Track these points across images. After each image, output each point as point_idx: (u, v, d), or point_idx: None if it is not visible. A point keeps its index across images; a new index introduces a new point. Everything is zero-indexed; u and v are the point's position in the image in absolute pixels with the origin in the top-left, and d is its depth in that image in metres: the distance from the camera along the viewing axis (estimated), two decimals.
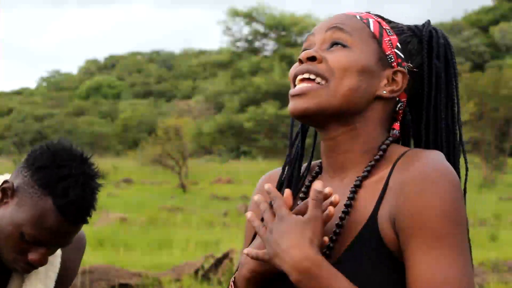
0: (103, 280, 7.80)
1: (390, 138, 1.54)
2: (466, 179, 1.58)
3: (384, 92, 1.53)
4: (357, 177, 1.50)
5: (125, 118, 53.67)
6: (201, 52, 77.48)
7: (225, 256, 8.31)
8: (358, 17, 1.58)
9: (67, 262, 2.10)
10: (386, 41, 1.56)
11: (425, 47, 1.59)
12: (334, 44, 1.54)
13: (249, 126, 31.56)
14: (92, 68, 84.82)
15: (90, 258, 8.80)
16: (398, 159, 1.47)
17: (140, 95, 68.46)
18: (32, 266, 1.90)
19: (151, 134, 31.92)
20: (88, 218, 1.91)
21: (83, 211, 1.87)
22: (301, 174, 1.64)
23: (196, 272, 8.33)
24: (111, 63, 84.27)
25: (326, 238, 1.42)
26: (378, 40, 1.55)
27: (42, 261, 1.89)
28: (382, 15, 1.64)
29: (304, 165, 1.67)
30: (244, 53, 36.01)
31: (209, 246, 10.74)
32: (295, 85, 1.54)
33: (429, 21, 1.64)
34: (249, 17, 34.83)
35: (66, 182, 1.85)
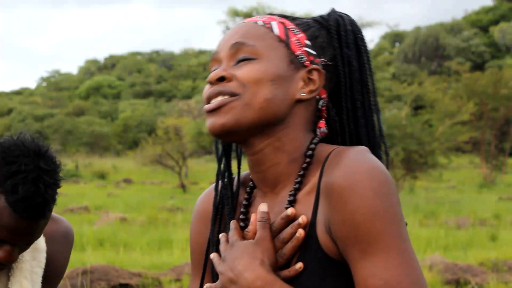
0: (103, 280, 7.80)
1: (315, 140, 1.49)
2: (387, 166, 1.52)
3: (303, 95, 1.48)
4: (290, 191, 1.45)
5: (125, 118, 53.67)
6: (201, 52, 77.51)
7: None
8: (261, 23, 1.52)
9: (53, 257, 2.10)
10: (294, 41, 1.50)
11: (334, 38, 1.54)
12: (240, 61, 1.48)
13: None
14: (92, 68, 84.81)
15: (90, 258, 8.80)
16: (325, 161, 1.43)
17: (140, 95, 68.45)
18: (1, 264, 1.90)
19: (151, 134, 31.92)
20: (47, 213, 1.87)
21: (37, 207, 1.84)
22: (234, 190, 1.58)
23: None
24: (111, 63, 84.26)
25: (300, 264, 1.39)
26: (285, 42, 1.49)
27: (9, 258, 1.89)
28: (287, 14, 1.59)
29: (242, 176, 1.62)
30: None
31: None
32: None
33: (333, 9, 1.59)
34: (249, 17, 34.91)
35: (15, 179, 1.83)
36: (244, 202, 1.55)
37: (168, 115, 42.34)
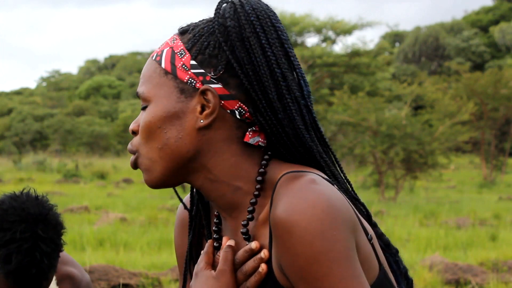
0: (103, 280, 7.80)
1: (264, 162, 1.40)
2: (339, 167, 1.45)
3: (202, 122, 1.39)
4: (243, 221, 1.40)
5: (125, 118, 53.65)
6: None
7: None
8: (154, 56, 1.44)
9: None
10: (180, 68, 1.40)
11: (217, 37, 1.40)
12: (142, 109, 1.45)
13: None
14: (92, 68, 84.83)
15: (90, 258, 8.80)
16: (274, 189, 1.35)
17: None
18: None
19: None
20: (43, 282, 1.79)
21: (32, 278, 1.76)
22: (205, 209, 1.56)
23: None
24: (111, 63, 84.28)
25: None
26: (171, 73, 1.40)
27: None
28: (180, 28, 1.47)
29: None
30: None
31: None
32: None
33: (220, 0, 1.44)
34: None
35: (9, 248, 1.75)
36: (216, 220, 1.51)
37: None
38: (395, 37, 71.05)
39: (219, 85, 1.39)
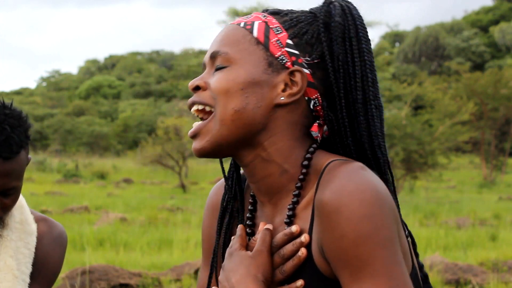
0: (103, 280, 7.80)
1: (311, 149, 1.42)
2: (388, 165, 1.45)
3: (282, 99, 1.40)
4: (288, 205, 1.41)
5: (125, 118, 53.65)
6: (201, 52, 77.46)
7: None
8: (242, 24, 1.45)
9: (45, 257, 2.12)
10: (274, 42, 1.42)
11: (321, 32, 1.43)
12: (216, 69, 1.44)
13: None
14: (92, 68, 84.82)
15: (90, 258, 8.80)
16: (321, 174, 1.37)
17: (140, 95, 68.45)
18: None
19: (151, 134, 31.90)
20: (14, 150, 1.95)
21: (4, 143, 1.93)
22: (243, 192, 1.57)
23: (196, 272, 8.33)
24: (111, 63, 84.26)
25: (301, 282, 1.37)
26: (263, 44, 1.42)
27: None
28: (279, 8, 1.50)
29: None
30: None
31: None
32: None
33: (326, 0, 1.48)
34: None
35: None
36: (250, 207, 1.52)
37: (168, 115, 42.33)
38: (395, 37, 71.06)
39: (308, 71, 1.42)
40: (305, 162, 1.41)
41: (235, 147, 1.43)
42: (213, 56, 1.45)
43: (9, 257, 2.04)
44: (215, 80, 1.43)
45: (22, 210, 2.13)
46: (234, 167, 1.56)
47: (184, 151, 28.33)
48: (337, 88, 1.42)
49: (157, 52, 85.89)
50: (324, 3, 1.47)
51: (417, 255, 1.50)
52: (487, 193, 23.78)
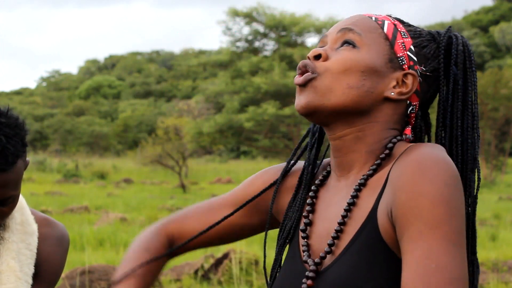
0: (103, 280, 7.80)
1: (399, 137, 1.53)
2: (477, 189, 1.54)
3: (392, 94, 1.52)
4: (363, 175, 1.50)
5: (125, 118, 53.68)
6: (201, 52, 77.51)
7: (225, 256, 8.31)
8: (374, 18, 1.57)
9: (47, 258, 2.12)
10: (399, 43, 1.54)
11: (441, 52, 1.56)
12: (345, 43, 1.54)
13: (249, 126, 31.54)
14: (92, 68, 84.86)
15: (90, 258, 8.80)
16: (400, 155, 1.46)
17: (140, 95, 68.48)
18: None
19: (151, 134, 31.92)
20: (9, 161, 1.91)
21: None
22: (315, 170, 1.66)
23: (196, 272, 8.33)
24: (111, 63, 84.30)
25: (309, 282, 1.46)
26: (390, 41, 1.54)
27: None
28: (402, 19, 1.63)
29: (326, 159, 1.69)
30: (244, 53, 35.96)
31: None
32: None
33: (450, 27, 1.62)
34: (249, 17, 34.79)
35: None
36: (317, 182, 1.61)
37: (168, 115, 42.35)
38: None
39: (419, 79, 1.54)
40: (390, 145, 1.51)
41: (335, 117, 1.52)
42: (344, 31, 1.55)
43: (11, 259, 2.03)
44: (341, 54, 1.53)
45: (23, 211, 2.12)
46: (317, 143, 1.67)
47: (184, 151, 28.35)
48: (443, 106, 1.55)
49: (157, 52, 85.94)
50: (446, 31, 1.60)
51: (477, 280, 1.56)
52: (487, 193, 23.78)
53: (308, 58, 1.55)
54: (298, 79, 1.53)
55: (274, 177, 1.70)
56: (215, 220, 1.69)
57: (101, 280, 7.78)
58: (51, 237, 2.14)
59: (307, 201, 1.59)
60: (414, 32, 1.57)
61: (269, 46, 36.45)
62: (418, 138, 1.58)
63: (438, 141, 1.55)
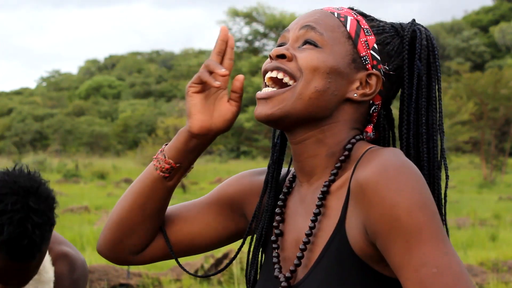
0: (103, 280, 7.80)
1: (358, 137, 1.49)
2: (446, 187, 1.51)
3: (355, 95, 1.49)
4: (325, 182, 1.46)
5: (125, 118, 53.64)
6: (201, 52, 77.45)
7: (225, 256, 8.32)
8: (336, 14, 1.52)
9: None
10: (362, 42, 1.50)
11: (405, 48, 1.52)
12: (306, 43, 1.49)
13: (249, 126, 31.54)
14: (92, 68, 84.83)
15: (90, 258, 8.79)
16: (359, 159, 1.43)
17: (140, 95, 68.45)
18: None
19: (151, 134, 31.91)
20: (36, 254, 1.81)
21: (24, 248, 1.77)
22: (283, 176, 1.63)
23: (196, 272, 8.33)
24: (111, 63, 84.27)
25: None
26: (353, 40, 1.49)
27: None
28: (365, 12, 1.59)
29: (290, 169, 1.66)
30: (244, 53, 35.97)
31: None
32: (265, 82, 1.52)
33: (413, 20, 1.58)
34: (249, 17, 34.79)
35: (1, 219, 1.76)
36: (284, 190, 1.58)
37: (168, 115, 42.33)
38: None
39: (382, 78, 1.51)
40: (349, 146, 1.48)
41: (299, 122, 1.48)
42: (306, 30, 1.50)
43: None
44: (306, 55, 1.48)
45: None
46: (280, 149, 1.63)
47: None
48: (408, 103, 1.52)
49: (157, 52, 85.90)
50: (411, 24, 1.56)
51: None
52: (487, 193, 23.76)
53: (270, 57, 1.51)
54: (261, 94, 1.49)
55: (250, 182, 1.67)
56: (194, 219, 1.66)
57: (101, 280, 7.78)
58: (69, 278, 2.05)
59: (276, 210, 1.55)
60: (378, 28, 1.53)
61: (269, 46, 36.43)
62: (381, 136, 1.56)
63: (402, 138, 1.52)
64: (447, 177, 1.53)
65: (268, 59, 1.52)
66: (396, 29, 1.55)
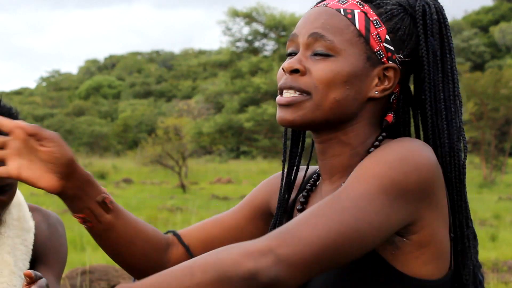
0: (103, 280, 7.80)
1: (380, 137, 1.48)
2: (465, 157, 1.48)
3: (376, 93, 1.46)
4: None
5: (125, 118, 53.66)
6: (201, 52, 77.47)
7: None
8: (343, 12, 1.46)
9: (45, 240, 2.15)
10: (374, 36, 1.45)
11: (419, 27, 1.48)
12: (317, 54, 1.45)
13: (249, 126, 31.53)
14: (92, 68, 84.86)
15: (90, 258, 8.79)
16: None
17: (140, 95, 68.46)
18: None
19: (151, 134, 31.91)
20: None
21: None
22: (309, 174, 1.64)
23: None
24: (111, 63, 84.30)
25: None
26: (364, 37, 1.45)
27: None
28: None
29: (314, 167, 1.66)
30: (244, 53, 35.95)
31: None
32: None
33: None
34: (249, 17, 34.77)
35: None
36: (307, 186, 1.58)
37: (168, 115, 42.35)
38: None
39: (398, 67, 1.47)
40: (372, 149, 1.46)
41: (322, 126, 1.47)
42: (315, 37, 1.45)
43: (6, 253, 2.06)
44: (319, 69, 1.44)
45: (20, 207, 2.14)
46: (301, 147, 1.62)
47: (184, 151, 28.35)
48: (428, 83, 1.47)
49: (157, 52, 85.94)
50: (418, 0, 1.50)
51: (476, 252, 1.59)
52: (487, 193, 23.77)
53: (283, 70, 1.47)
54: (281, 100, 1.47)
55: (277, 182, 1.66)
56: (217, 229, 1.66)
57: (101, 280, 7.78)
58: (45, 223, 2.17)
59: (297, 207, 1.56)
60: (386, 14, 1.47)
61: (269, 46, 36.44)
62: (401, 120, 1.53)
63: (428, 118, 1.48)
64: (465, 148, 1.49)
65: (281, 69, 1.49)
66: (404, 7, 1.49)
